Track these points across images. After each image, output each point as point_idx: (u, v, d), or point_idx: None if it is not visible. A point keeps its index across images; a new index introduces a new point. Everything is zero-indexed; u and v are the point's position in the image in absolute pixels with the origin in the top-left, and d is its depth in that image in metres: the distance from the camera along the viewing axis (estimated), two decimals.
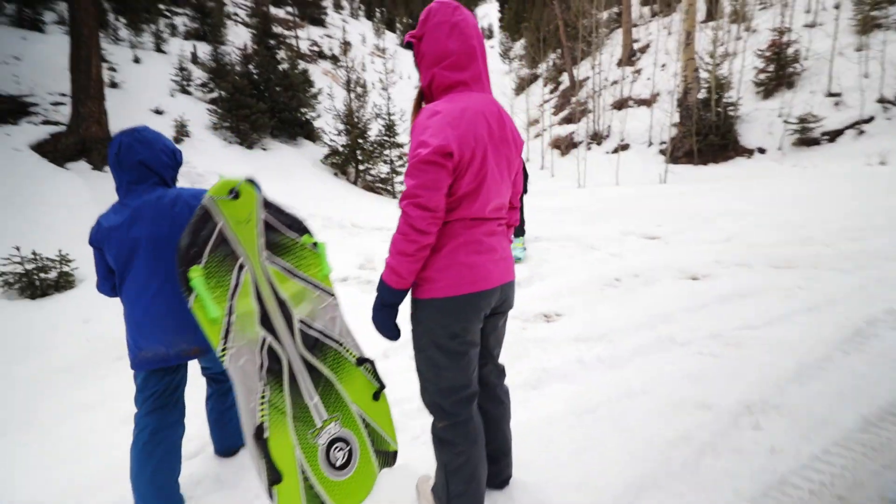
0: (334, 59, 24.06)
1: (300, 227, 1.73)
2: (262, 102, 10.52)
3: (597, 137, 17.31)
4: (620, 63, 21.11)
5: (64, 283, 4.90)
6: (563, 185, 15.26)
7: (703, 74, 14.22)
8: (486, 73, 1.38)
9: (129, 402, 1.68)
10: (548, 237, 5.87)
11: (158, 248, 1.59)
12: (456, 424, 1.37)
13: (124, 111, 9.69)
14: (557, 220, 7.52)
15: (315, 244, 1.74)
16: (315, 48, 24.76)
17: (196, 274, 1.38)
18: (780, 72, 13.38)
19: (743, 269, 3.83)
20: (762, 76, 13.84)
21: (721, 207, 6.85)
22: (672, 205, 7.86)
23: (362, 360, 1.75)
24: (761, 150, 12.26)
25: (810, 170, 10.73)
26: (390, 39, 35.66)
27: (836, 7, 14.42)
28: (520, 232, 6.24)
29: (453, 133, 1.18)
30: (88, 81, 7.62)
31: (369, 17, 37.97)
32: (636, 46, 22.07)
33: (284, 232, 1.67)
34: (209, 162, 8.70)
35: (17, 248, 4.59)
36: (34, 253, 4.68)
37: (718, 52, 13.87)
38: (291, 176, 9.36)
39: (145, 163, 1.63)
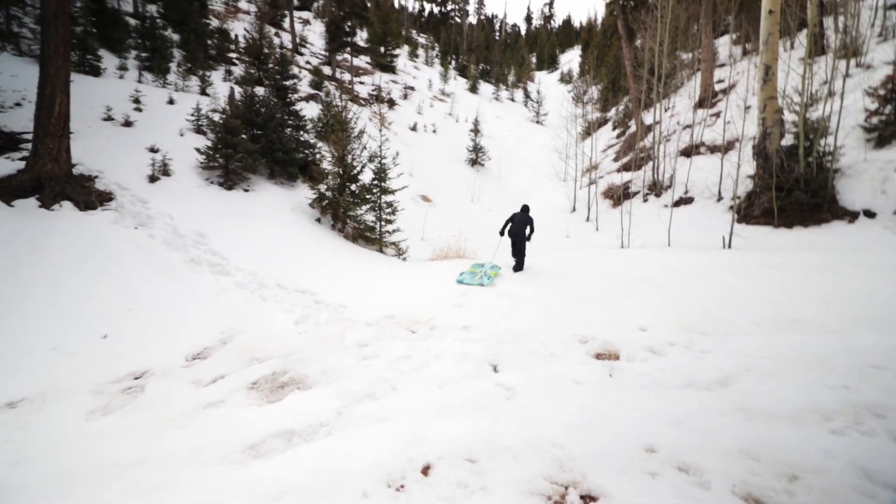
0: (391, 103, 24.13)
1: None
2: (255, 142, 9.99)
3: (655, 188, 14.74)
4: (698, 106, 18.42)
5: None
6: (606, 242, 12.95)
7: (791, 117, 11.44)
8: None
9: None
10: (475, 332, 4.06)
11: None
12: None
13: (119, 147, 9.66)
14: (531, 299, 5.62)
15: None
16: (375, 92, 25.14)
17: None
18: None
19: (676, 489, 1.79)
20: (874, 120, 10.70)
21: (775, 301, 4.56)
22: (710, 286, 5.60)
23: None
24: (869, 214, 9.14)
25: None
26: (460, 84, 35.77)
27: None
28: (519, 268, 8.20)
29: None
30: (49, 119, 7.44)
31: (444, 64, 38.64)
32: (718, 88, 19.24)
33: None
34: (167, 204, 8.12)
35: None
36: None
37: (814, 89, 11.07)
38: (255, 221, 8.49)
39: None
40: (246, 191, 9.67)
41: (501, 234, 8.43)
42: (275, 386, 3.36)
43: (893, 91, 10.30)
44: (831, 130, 10.61)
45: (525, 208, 8.56)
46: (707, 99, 18.38)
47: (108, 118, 10.73)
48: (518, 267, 8.14)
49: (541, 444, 2.21)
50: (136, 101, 12.06)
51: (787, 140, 10.99)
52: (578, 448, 2.16)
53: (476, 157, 21.57)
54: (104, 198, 8.09)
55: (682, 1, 17.38)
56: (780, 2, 10.55)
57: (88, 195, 7.89)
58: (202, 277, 6.30)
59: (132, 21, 18.22)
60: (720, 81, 19.76)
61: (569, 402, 2.67)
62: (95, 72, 13.67)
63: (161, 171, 9.10)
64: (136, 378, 3.60)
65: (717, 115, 17.25)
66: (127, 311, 5.02)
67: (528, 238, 8.25)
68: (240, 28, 25.54)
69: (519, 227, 8.10)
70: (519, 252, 8.11)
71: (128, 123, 10.82)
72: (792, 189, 10.15)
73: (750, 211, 11.10)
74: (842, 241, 8.85)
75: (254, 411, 2.91)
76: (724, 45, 24.82)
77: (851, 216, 9.37)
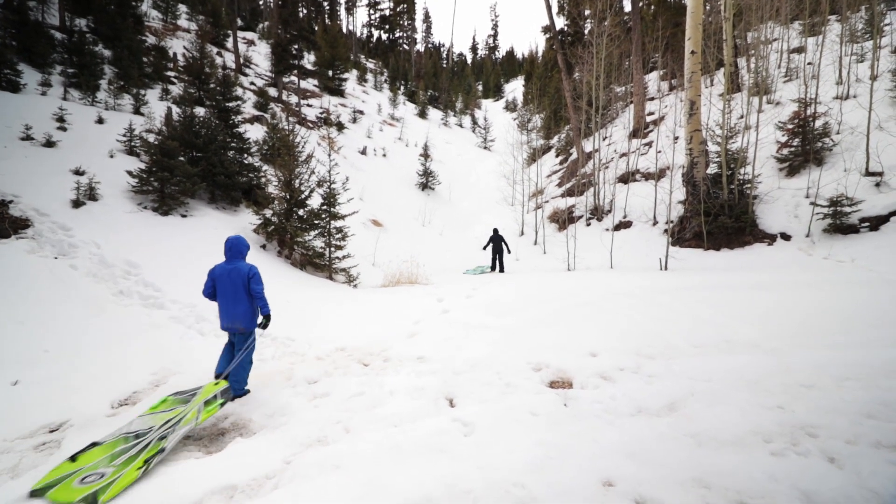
0: (339, 126, 23.95)
1: None
2: (194, 165, 9.50)
3: (597, 212, 15.48)
4: (632, 136, 19.74)
5: None
6: (553, 264, 13.34)
7: (714, 148, 12.49)
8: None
9: None
10: (430, 364, 3.96)
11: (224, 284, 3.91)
12: None
13: (39, 170, 8.87)
14: (484, 326, 5.60)
15: None
16: (323, 115, 24.87)
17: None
18: (805, 147, 11.44)
19: None
20: (785, 151, 11.92)
21: (712, 321, 4.82)
22: (652, 308, 5.86)
23: None
24: (785, 237, 10.05)
25: (848, 265, 8.43)
26: (409, 110, 36.23)
27: (874, 79, 12.62)
28: (502, 270, 12.69)
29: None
30: None
31: (393, 89, 39.07)
32: (649, 119, 20.73)
33: None
34: (93, 231, 7.48)
35: None
36: None
37: (732, 123, 12.19)
38: (194, 248, 8.00)
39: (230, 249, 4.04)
40: (184, 216, 9.12)
41: (485, 248, 13.45)
42: (214, 433, 3.09)
43: (800, 126, 11.53)
44: (749, 160, 11.67)
45: (496, 230, 12.73)
46: (640, 129, 19.74)
47: (27, 137, 9.83)
48: (501, 269, 12.65)
49: (502, 486, 2.16)
50: (61, 119, 11.17)
51: (712, 169, 11.96)
52: (539, 487, 2.13)
53: (426, 181, 21.76)
54: (19, 225, 7.32)
55: (615, 39, 18.68)
56: (701, 43, 11.59)
57: (1, 222, 7.11)
58: (132, 312, 5.80)
59: (58, 35, 17.01)
60: (651, 113, 21.32)
61: (527, 436, 2.65)
62: (14, 87, 12.55)
63: (87, 196, 8.40)
64: (52, 431, 3.19)
65: (650, 144, 18.53)
66: (43, 353, 4.49)
67: (506, 250, 12.95)
68: (179, 46, 24.57)
69: (498, 245, 12.48)
70: (501, 261, 12.61)
71: (50, 143, 9.96)
72: (718, 214, 10.99)
73: (682, 234, 11.87)
74: (763, 261, 9.63)
75: (190, 465, 2.64)
76: (653, 80, 26.92)
77: (770, 239, 10.25)
